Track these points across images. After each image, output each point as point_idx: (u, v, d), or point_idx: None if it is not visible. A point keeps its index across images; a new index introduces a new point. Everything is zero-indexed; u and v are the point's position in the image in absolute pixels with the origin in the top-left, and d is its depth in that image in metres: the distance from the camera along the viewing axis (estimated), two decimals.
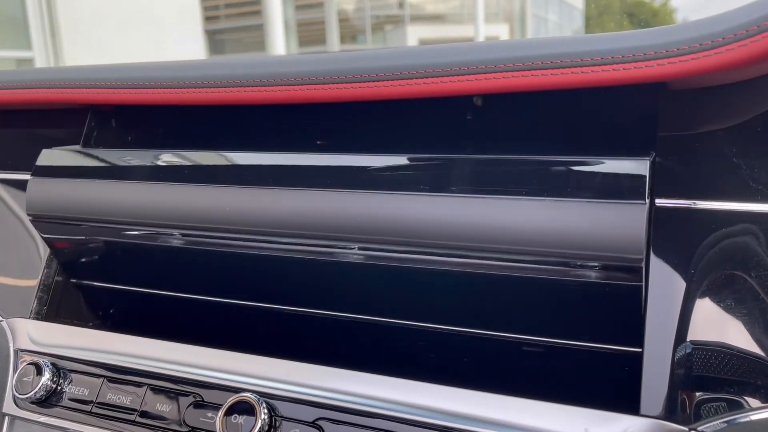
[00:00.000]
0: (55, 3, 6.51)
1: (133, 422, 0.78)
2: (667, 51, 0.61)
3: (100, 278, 0.90)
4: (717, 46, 0.59)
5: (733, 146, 0.66)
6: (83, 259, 0.92)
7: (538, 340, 0.67)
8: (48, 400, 0.83)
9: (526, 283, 0.67)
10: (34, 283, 0.93)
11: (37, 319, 0.91)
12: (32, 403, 0.83)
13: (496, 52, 0.68)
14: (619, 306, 0.65)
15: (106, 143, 0.99)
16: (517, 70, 0.67)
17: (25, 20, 6.44)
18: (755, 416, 0.60)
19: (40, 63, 6.50)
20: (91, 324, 0.87)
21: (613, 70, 0.64)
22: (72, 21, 6.63)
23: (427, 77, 0.70)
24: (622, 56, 0.63)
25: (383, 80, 0.74)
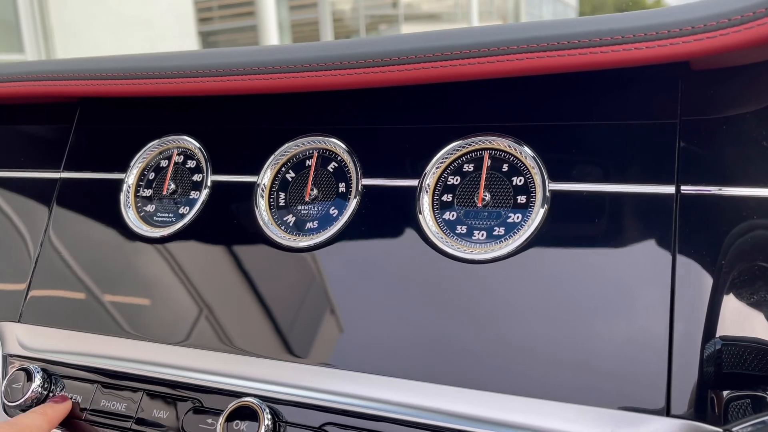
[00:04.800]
0: (48, 6, 6.46)
1: (129, 429, 0.75)
2: (693, 27, 0.58)
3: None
4: (747, 21, 0.56)
5: (761, 129, 0.63)
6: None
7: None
8: None
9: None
10: (23, 286, 0.89)
11: (27, 323, 0.86)
12: (22, 410, 0.79)
13: (512, 34, 0.65)
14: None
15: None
16: (532, 51, 0.63)
17: (17, 23, 6.39)
18: None
19: None
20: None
21: (635, 48, 0.60)
22: (65, 23, 6.58)
23: (443, 60, 0.66)
24: (645, 34, 0.60)
25: (387, 65, 0.70)
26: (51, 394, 0.79)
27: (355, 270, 0.74)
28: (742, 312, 0.60)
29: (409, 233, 0.73)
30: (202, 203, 0.84)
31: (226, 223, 0.82)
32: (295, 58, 0.74)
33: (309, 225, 0.79)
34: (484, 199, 0.72)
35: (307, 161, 0.82)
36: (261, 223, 0.80)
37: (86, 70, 0.87)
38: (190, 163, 0.88)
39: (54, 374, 0.80)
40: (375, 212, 0.75)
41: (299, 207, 0.80)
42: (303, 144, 0.82)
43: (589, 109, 0.70)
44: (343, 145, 0.79)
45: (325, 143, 0.81)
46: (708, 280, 0.61)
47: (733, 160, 0.63)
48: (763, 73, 0.64)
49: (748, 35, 0.56)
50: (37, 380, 0.78)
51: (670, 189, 0.64)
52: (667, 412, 0.58)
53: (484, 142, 0.73)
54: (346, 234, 0.75)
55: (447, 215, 0.73)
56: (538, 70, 0.64)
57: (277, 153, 0.82)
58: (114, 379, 0.78)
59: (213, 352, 0.75)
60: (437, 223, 0.73)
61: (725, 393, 0.58)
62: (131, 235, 0.86)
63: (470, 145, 0.74)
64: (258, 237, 0.79)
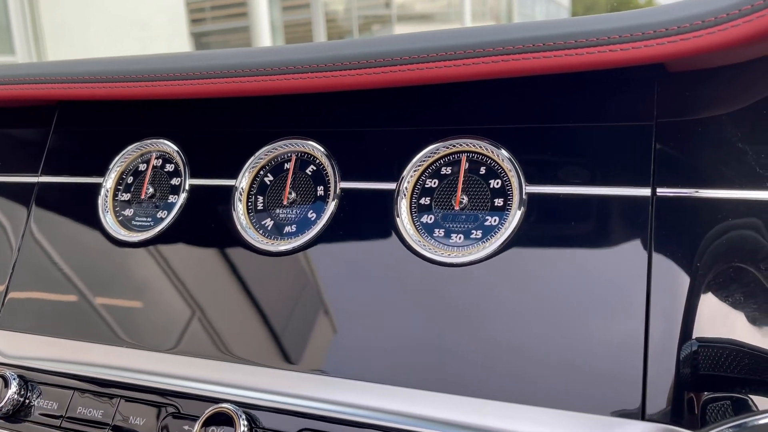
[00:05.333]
0: (39, 7, 6.42)
1: None
2: (667, 29, 0.57)
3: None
4: (720, 23, 0.55)
5: (737, 131, 0.62)
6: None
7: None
8: (15, 415, 0.78)
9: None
10: (0, 291, 0.88)
11: (4, 329, 0.85)
12: (0, 417, 0.78)
13: (486, 36, 0.64)
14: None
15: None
16: (507, 54, 0.63)
17: (8, 25, 6.35)
18: (767, 420, 0.56)
19: None
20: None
21: (610, 51, 0.59)
22: (56, 25, 6.54)
23: (415, 62, 0.66)
24: (620, 36, 0.59)
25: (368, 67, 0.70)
26: (27, 401, 0.78)
27: (333, 274, 0.73)
28: (718, 314, 0.60)
29: (387, 237, 0.72)
30: (180, 207, 0.83)
31: (204, 227, 0.81)
32: (271, 61, 0.74)
33: (287, 229, 0.78)
34: (461, 202, 0.71)
35: (286, 164, 0.81)
36: (239, 227, 0.79)
37: (64, 73, 0.86)
38: (169, 167, 0.87)
39: (30, 381, 0.79)
40: (353, 216, 0.75)
41: (277, 210, 0.79)
42: (281, 147, 0.81)
43: (566, 111, 0.69)
44: (322, 149, 0.79)
45: (303, 146, 0.80)
46: (684, 282, 0.60)
47: (709, 162, 0.63)
48: (738, 75, 0.64)
49: (722, 37, 0.55)
50: (14, 387, 0.77)
51: (646, 191, 0.63)
52: (642, 415, 0.57)
53: (461, 145, 0.73)
54: (324, 238, 0.75)
55: (425, 218, 0.72)
56: (512, 73, 0.64)
57: (255, 156, 0.81)
58: (91, 386, 0.77)
59: (191, 358, 0.74)
60: (415, 226, 0.72)
61: (702, 395, 0.58)
62: (109, 239, 0.85)
63: (448, 147, 0.73)
64: (236, 241, 0.78)
